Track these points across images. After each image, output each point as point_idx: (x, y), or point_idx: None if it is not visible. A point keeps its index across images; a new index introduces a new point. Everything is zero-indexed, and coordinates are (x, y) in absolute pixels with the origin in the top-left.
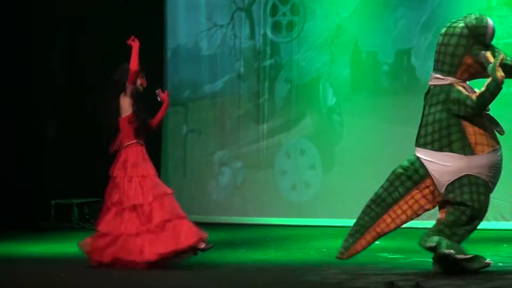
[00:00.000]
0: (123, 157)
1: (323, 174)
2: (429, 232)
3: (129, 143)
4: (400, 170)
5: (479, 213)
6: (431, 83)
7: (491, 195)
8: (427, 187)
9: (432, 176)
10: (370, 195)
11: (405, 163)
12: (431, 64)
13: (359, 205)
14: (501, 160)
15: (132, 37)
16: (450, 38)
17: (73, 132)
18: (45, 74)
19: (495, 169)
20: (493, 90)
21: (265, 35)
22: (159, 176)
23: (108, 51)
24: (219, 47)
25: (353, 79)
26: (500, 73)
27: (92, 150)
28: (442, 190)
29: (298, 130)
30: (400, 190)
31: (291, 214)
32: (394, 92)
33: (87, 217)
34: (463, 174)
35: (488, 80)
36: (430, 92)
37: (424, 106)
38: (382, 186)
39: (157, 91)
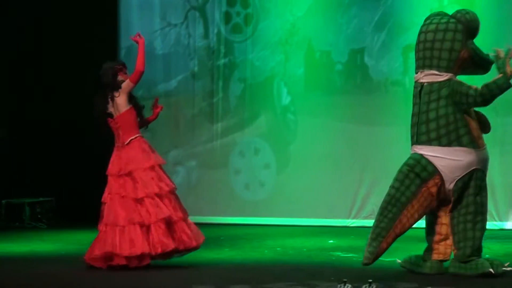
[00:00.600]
0: (129, 152)
1: (277, 173)
2: (461, 258)
3: (133, 137)
4: (408, 168)
5: (485, 208)
6: (425, 80)
7: None
8: (435, 184)
9: (441, 172)
10: (324, 194)
11: (411, 161)
12: (384, 63)
13: (313, 204)
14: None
15: (138, 33)
16: (444, 33)
17: (24, 132)
18: None
19: (488, 164)
20: (501, 84)
21: (219, 34)
22: None
23: (62, 51)
24: (173, 46)
25: (307, 78)
26: (510, 68)
27: (44, 150)
28: (451, 186)
29: (252, 129)
30: (411, 188)
31: (245, 213)
32: (347, 91)
33: (39, 216)
34: (473, 168)
35: (498, 75)
36: (424, 89)
37: (419, 104)
38: (393, 187)
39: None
